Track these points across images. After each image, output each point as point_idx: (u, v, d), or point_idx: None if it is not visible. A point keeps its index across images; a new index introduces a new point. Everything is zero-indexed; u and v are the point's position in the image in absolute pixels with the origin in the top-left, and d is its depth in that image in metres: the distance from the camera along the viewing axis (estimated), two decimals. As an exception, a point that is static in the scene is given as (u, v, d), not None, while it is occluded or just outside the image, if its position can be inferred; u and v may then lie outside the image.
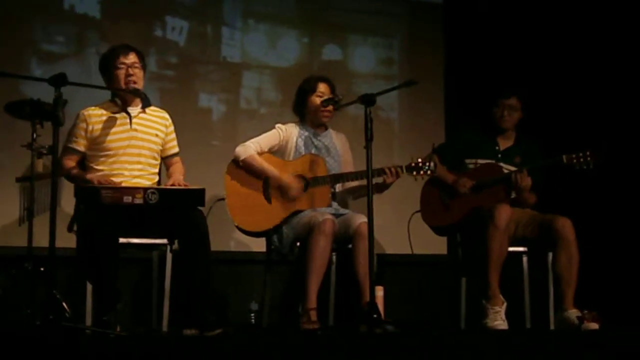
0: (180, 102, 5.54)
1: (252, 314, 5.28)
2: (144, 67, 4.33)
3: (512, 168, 4.76)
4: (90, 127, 4.25)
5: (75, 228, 4.21)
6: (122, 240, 4.10)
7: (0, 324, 4.21)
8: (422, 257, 5.32)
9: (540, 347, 3.46)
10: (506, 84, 5.07)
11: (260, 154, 4.62)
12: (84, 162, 4.31)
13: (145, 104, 4.36)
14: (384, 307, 4.71)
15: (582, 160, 4.58)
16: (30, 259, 4.26)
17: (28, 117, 4.37)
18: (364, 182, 4.43)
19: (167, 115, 4.45)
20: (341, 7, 6.11)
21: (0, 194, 5.05)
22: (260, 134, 4.68)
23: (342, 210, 4.66)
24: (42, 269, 4.13)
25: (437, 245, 5.53)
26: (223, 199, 4.61)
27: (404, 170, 4.56)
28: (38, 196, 4.50)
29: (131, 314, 4.98)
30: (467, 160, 4.86)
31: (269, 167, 4.57)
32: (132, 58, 4.27)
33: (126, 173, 4.24)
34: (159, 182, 4.39)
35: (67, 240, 4.16)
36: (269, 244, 4.60)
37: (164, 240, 4.25)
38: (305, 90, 4.74)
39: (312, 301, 4.35)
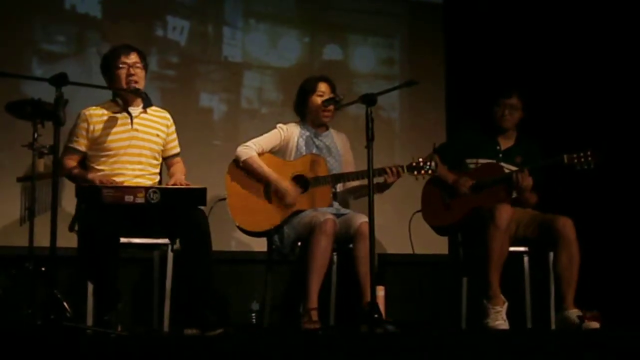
0: (181, 101, 5.54)
1: (253, 314, 5.29)
2: (145, 67, 4.33)
3: (513, 168, 4.76)
4: (91, 127, 4.25)
5: (76, 228, 4.21)
6: (123, 239, 4.10)
7: (0, 324, 4.21)
8: (423, 257, 5.31)
9: (541, 347, 3.46)
10: (507, 84, 5.06)
11: (261, 154, 4.62)
12: (85, 162, 4.31)
13: (147, 103, 4.36)
14: (384, 307, 4.71)
15: (583, 160, 4.58)
16: (31, 258, 4.26)
17: (29, 116, 4.38)
18: (364, 181, 4.43)
19: (168, 115, 4.45)
20: (341, 7, 6.12)
21: (1, 194, 5.05)
22: (261, 134, 4.68)
23: (343, 210, 4.66)
24: (43, 268, 4.13)
25: (438, 245, 5.53)
26: (224, 199, 4.61)
27: (405, 170, 4.57)
28: (39, 196, 4.51)
29: (132, 314, 4.98)
30: (468, 160, 4.86)
31: (268, 170, 4.57)
32: (133, 58, 4.27)
33: (127, 173, 4.23)
34: (160, 182, 4.40)
35: (68, 240, 4.16)
36: (270, 243, 4.60)
37: (165, 240, 4.26)
38: (306, 90, 4.74)
39: (313, 301, 4.35)
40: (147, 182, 4.26)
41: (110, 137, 4.25)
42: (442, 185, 4.82)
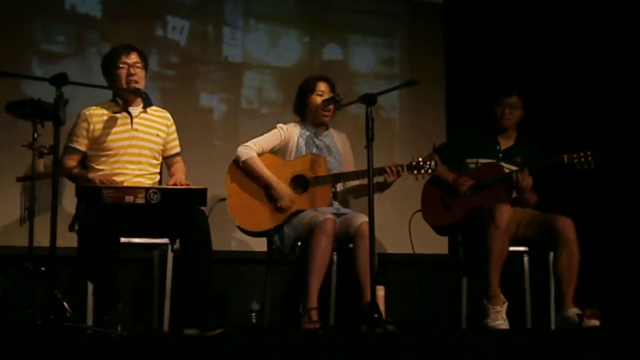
0: (181, 101, 5.54)
1: (253, 314, 5.29)
2: (145, 67, 4.33)
3: (513, 168, 4.76)
4: (91, 127, 4.25)
5: (76, 227, 4.21)
6: (123, 239, 4.10)
7: (0, 324, 4.21)
8: (423, 256, 5.31)
9: (541, 347, 3.45)
10: (507, 84, 5.06)
11: (262, 154, 4.62)
12: (85, 162, 4.31)
13: (147, 103, 4.36)
14: (384, 307, 4.71)
15: (583, 160, 4.58)
16: (31, 258, 4.26)
17: (29, 116, 4.37)
18: (364, 181, 4.43)
19: (168, 115, 4.45)
20: (341, 7, 6.12)
21: (1, 194, 5.05)
22: (261, 134, 4.68)
23: (343, 210, 4.66)
24: (43, 268, 4.13)
25: (438, 244, 5.53)
26: (224, 199, 4.61)
27: (405, 169, 4.57)
28: (39, 196, 4.50)
29: (132, 314, 4.98)
30: (468, 160, 4.86)
31: (267, 172, 4.56)
32: (134, 58, 4.27)
33: (127, 173, 4.24)
34: (160, 182, 4.40)
35: (68, 240, 4.16)
36: (270, 243, 4.60)
37: (165, 240, 4.26)
38: (305, 89, 4.74)
39: (313, 301, 4.35)
40: (147, 182, 4.26)
41: (110, 137, 4.25)
42: (442, 185, 4.82)
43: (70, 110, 3.91)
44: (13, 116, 4.49)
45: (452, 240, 5.48)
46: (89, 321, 4.06)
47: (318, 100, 4.69)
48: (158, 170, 4.40)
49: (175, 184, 4.22)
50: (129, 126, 4.29)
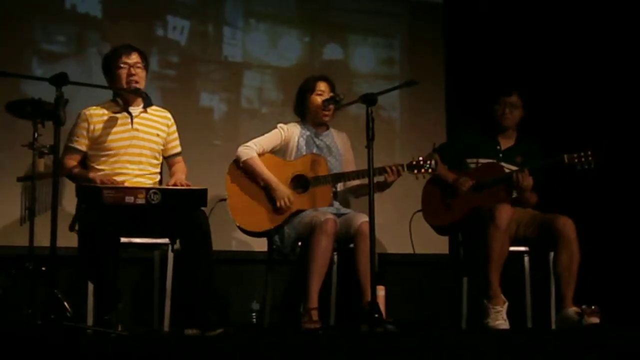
0: (181, 101, 5.54)
1: (254, 314, 5.28)
2: (146, 67, 4.33)
3: (513, 168, 4.76)
4: (91, 127, 4.25)
5: (76, 227, 4.21)
6: (123, 239, 4.10)
7: (0, 324, 4.21)
8: (424, 256, 5.31)
9: (541, 347, 3.45)
10: (507, 84, 5.06)
11: (262, 154, 4.62)
12: (85, 162, 4.31)
13: (147, 103, 4.36)
14: (385, 307, 4.71)
15: (583, 160, 4.58)
16: (31, 258, 4.26)
17: (29, 116, 4.37)
18: (365, 181, 4.43)
19: (169, 115, 4.45)
20: (341, 7, 6.12)
21: (1, 194, 5.05)
22: (261, 134, 4.68)
23: (343, 210, 4.66)
24: (43, 268, 4.13)
25: (438, 244, 5.53)
26: (225, 200, 4.60)
27: (405, 169, 4.57)
28: (39, 196, 4.50)
29: (132, 314, 4.98)
30: (469, 160, 4.86)
31: (267, 173, 4.56)
32: (134, 58, 4.27)
33: (127, 172, 4.24)
34: (160, 182, 4.40)
35: (68, 239, 4.16)
36: (270, 243, 4.60)
37: (166, 240, 4.26)
38: (305, 89, 4.74)
39: (314, 301, 4.35)
40: (147, 182, 4.26)
41: (110, 137, 4.25)
42: (442, 185, 4.82)
43: (71, 110, 3.91)
44: (13, 116, 4.49)
45: (452, 240, 5.48)
46: (89, 321, 4.06)
47: (318, 99, 4.69)
48: (158, 170, 4.40)
49: (175, 184, 4.22)
50: (129, 126, 4.29)
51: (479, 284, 4.55)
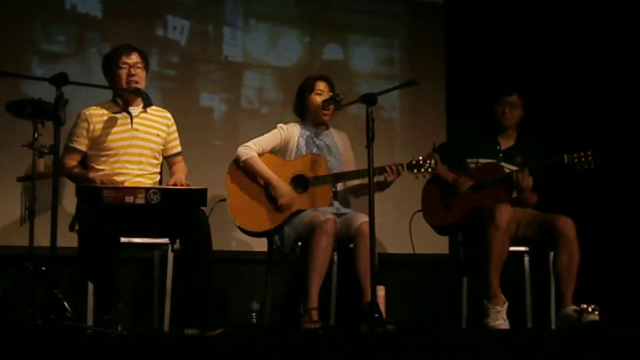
0: (181, 101, 5.54)
1: (254, 314, 5.28)
2: (146, 68, 4.33)
3: (513, 168, 4.76)
4: (91, 127, 4.25)
5: (76, 227, 4.21)
6: (123, 239, 4.10)
7: (0, 324, 4.21)
8: (424, 256, 5.31)
9: (541, 347, 3.46)
10: (507, 84, 5.06)
11: (262, 154, 4.62)
12: (85, 162, 4.31)
13: (147, 103, 4.36)
14: (385, 307, 4.71)
15: (583, 160, 4.58)
16: (31, 258, 4.26)
17: (29, 116, 4.37)
18: (365, 180, 4.43)
19: (169, 115, 4.45)
20: (341, 7, 6.12)
21: (1, 194, 5.05)
22: (261, 134, 4.68)
23: (343, 210, 4.66)
24: (43, 268, 4.13)
25: (438, 244, 5.53)
26: (225, 200, 4.60)
27: (405, 168, 4.57)
28: (39, 196, 4.50)
29: (132, 314, 4.98)
30: (469, 160, 4.86)
31: (268, 171, 4.56)
32: (134, 58, 4.27)
33: (127, 172, 4.24)
34: (160, 182, 4.40)
35: (68, 239, 4.16)
36: (270, 243, 4.60)
37: (166, 240, 4.26)
38: (304, 89, 4.74)
39: (314, 301, 4.35)
40: (147, 182, 4.26)
41: (110, 137, 4.25)
42: (442, 185, 4.82)
43: (71, 110, 3.91)
44: (13, 116, 4.49)
45: (452, 240, 5.47)
46: (89, 321, 4.06)
47: (317, 99, 4.69)
48: (158, 170, 4.40)
49: (175, 184, 4.22)
50: (129, 126, 4.29)
51: (479, 284, 4.55)
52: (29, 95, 4.60)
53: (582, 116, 5.67)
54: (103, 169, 4.24)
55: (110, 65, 4.28)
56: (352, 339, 3.84)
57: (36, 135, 4.32)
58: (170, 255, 4.24)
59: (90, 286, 4.08)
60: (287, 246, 4.53)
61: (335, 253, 4.60)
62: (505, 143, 4.89)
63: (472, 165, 4.85)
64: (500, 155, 4.85)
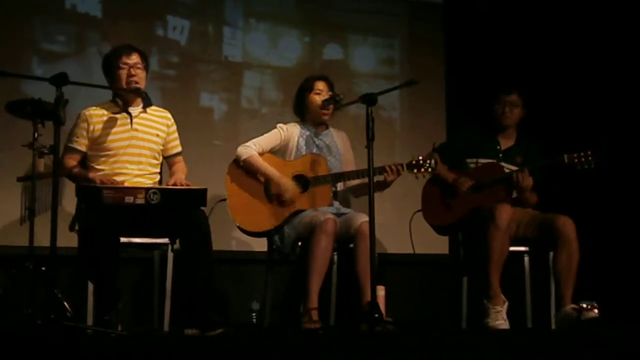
0: (181, 101, 5.54)
1: (254, 314, 5.28)
2: (146, 68, 4.33)
3: (513, 168, 4.76)
4: (91, 127, 4.25)
5: (76, 227, 4.21)
6: (123, 239, 4.10)
7: (0, 324, 4.21)
8: (424, 256, 5.32)
9: (541, 347, 3.46)
10: (507, 84, 5.06)
11: (262, 154, 4.62)
12: (85, 162, 4.31)
13: (147, 103, 4.36)
14: (385, 307, 4.71)
15: (583, 160, 4.58)
16: (31, 258, 4.26)
17: (29, 116, 4.38)
18: (365, 180, 4.43)
19: (169, 115, 4.45)
20: (341, 7, 6.12)
21: (1, 194, 5.05)
22: (261, 134, 4.68)
23: (343, 210, 4.66)
24: (43, 268, 4.13)
25: (438, 244, 5.53)
26: (225, 200, 4.61)
27: (405, 168, 4.57)
28: (39, 195, 4.51)
29: (132, 314, 4.98)
30: (468, 160, 4.86)
31: (269, 168, 4.57)
32: (134, 58, 4.27)
33: (127, 173, 4.24)
34: (160, 181, 4.40)
35: (68, 239, 4.16)
36: (270, 243, 4.60)
37: (166, 240, 4.26)
38: (304, 89, 4.75)
39: (314, 301, 4.35)
40: (147, 182, 4.26)
41: (110, 137, 4.25)
42: (442, 185, 4.82)
43: (71, 110, 3.91)
44: (13, 116, 4.49)
45: (452, 240, 5.47)
46: (89, 321, 4.06)
47: (316, 99, 4.69)
48: (158, 170, 4.40)
49: (175, 184, 4.22)
50: (129, 126, 4.29)
51: (479, 284, 4.55)
52: (29, 95, 4.61)
53: (582, 116, 5.67)
54: (103, 169, 4.24)
55: (111, 66, 4.28)
56: (352, 339, 3.84)
57: (36, 135, 4.33)
58: (170, 255, 4.24)
59: (90, 286, 4.08)
60: (287, 246, 4.53)
61: (335, 253, 4.60)
62: (505, 143, 4.89)
63: (472, 165, 4.85)
64: (500, 155, 4.85)
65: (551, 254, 4.62)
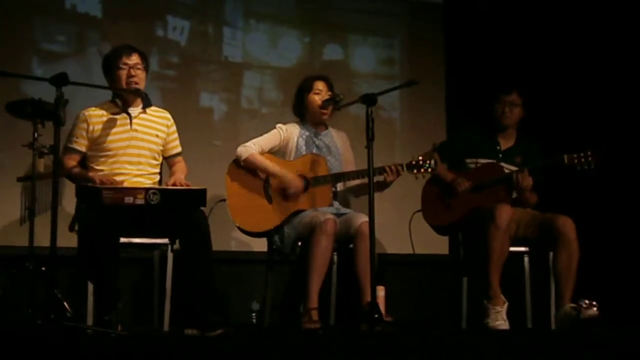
0: (181, 101, 5.54)
1: (254, 314, 5.29)
2: (146, 69, 4.33)
3: (513, 168, 4.76)
4: (90, 128, 4.25)
5: (76, 227, 4.21)
6: (123, 239, 4.10)
7: (0, 324, 4.21)
8: (424, 256, 5.31)
9: (541, 347, 3.46)
10: (507, 83, 5.06)
11: (261, 154, 4.62)
12: (84, 162, 4.31)
13: (146, 104, 4.36)
14: (385, 307, 4.71)
15: (583, 160, 4.58)
16: (31, 258, 4.26)
17: (29, 116, 4.38)
18: (365, 180, 4.43)
19: (168, 115, 4.45)
20: (341, 7, 6.12)
21: (1, 194, 5.05)
22: (261, 134, 4.68)
23: (343, 210, 4.66)
24: (43, 268, 4.13)
25: (438, 244, 5.53)
26: (225, 200, 4.61)
27: (405, 169, 4.57)
28: (39, 196, 4.50)
29: (132, 314, 4.98)
30: (468, 160, 4.86)
31: (270, 164, 4.57)
32: (134, 59, 4.27)
33: (126, 173, 4.24)
34: (160, 182, 4.40)
35: (68, 239, 4.16)
36: (270, 243, 4.60)
37: (165, 240, 4.26)
38: (303, 89, 4.75)
39: (314, 301, 4.35)
40: (146, 182, 4.27)
41: (109, 138, 4.25)
42: (442, 185, 4.82)
43: (71, 110, 3.91)
44: (13, 116, 4.49)
45: (452, 240, 5.47)
46: (89, 321, 4.06)
47: (316, 99, 4.69)
48: (158, 170, 4.40)
49: (174, 184, 4.22)
50: (128, 127, 4.29)
51: (479, 284, 4.55)
52: (29, 95, 4.61)
53: (582, 116, 5.66)
54: (102, 169, 4.24)
55: (110, 66, 4.29)
56: (352, 339, 3.84)
57: (36, 135, 4.32)
58: (170, 255, 4.24)
59: (90, 286, 4.08)
60: (287, 246, 4.53)
61: (335, 253, 4.60)
62: (505, 143, 4.89)
63: (472, 166, 4.85)
64: (500, 155, 4.85)
65: (551, 254, 4.62)
